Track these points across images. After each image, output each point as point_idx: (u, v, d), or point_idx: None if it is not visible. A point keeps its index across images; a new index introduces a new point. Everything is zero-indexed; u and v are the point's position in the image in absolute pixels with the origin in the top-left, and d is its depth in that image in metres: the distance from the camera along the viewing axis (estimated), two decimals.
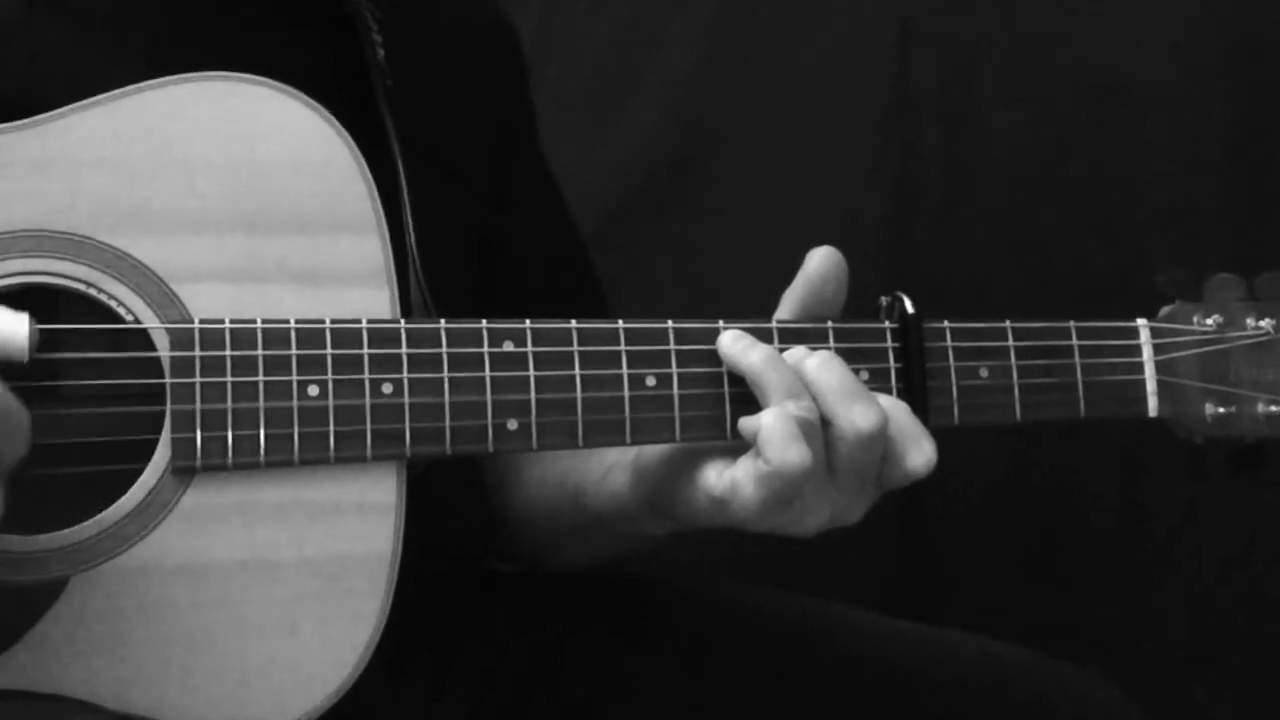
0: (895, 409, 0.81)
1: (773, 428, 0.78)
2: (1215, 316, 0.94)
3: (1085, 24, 1.53)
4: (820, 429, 0.79)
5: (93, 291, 0.77)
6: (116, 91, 0.78)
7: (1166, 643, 1.53)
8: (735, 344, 0.82)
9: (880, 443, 0.79)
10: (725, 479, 0.81)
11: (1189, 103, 1.52)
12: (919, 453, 0.80)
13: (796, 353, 0.82)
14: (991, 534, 1.53)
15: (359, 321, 0.79)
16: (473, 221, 0.99)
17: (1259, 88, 1.52)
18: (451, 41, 1.03)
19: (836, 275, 0.85)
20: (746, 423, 0.80)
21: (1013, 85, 1.54)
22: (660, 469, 0.85)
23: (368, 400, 0.79)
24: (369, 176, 0.81)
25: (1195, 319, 0.94)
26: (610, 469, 0.91)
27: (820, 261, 0.85)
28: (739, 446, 0.82)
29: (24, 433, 0.68)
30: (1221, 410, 0.93)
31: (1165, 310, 0.95)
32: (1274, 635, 1.52)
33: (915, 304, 0.87)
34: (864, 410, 0.79)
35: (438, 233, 0.91)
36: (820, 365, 0.80)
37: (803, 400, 0.79)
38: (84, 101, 0.78)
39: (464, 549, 1.00)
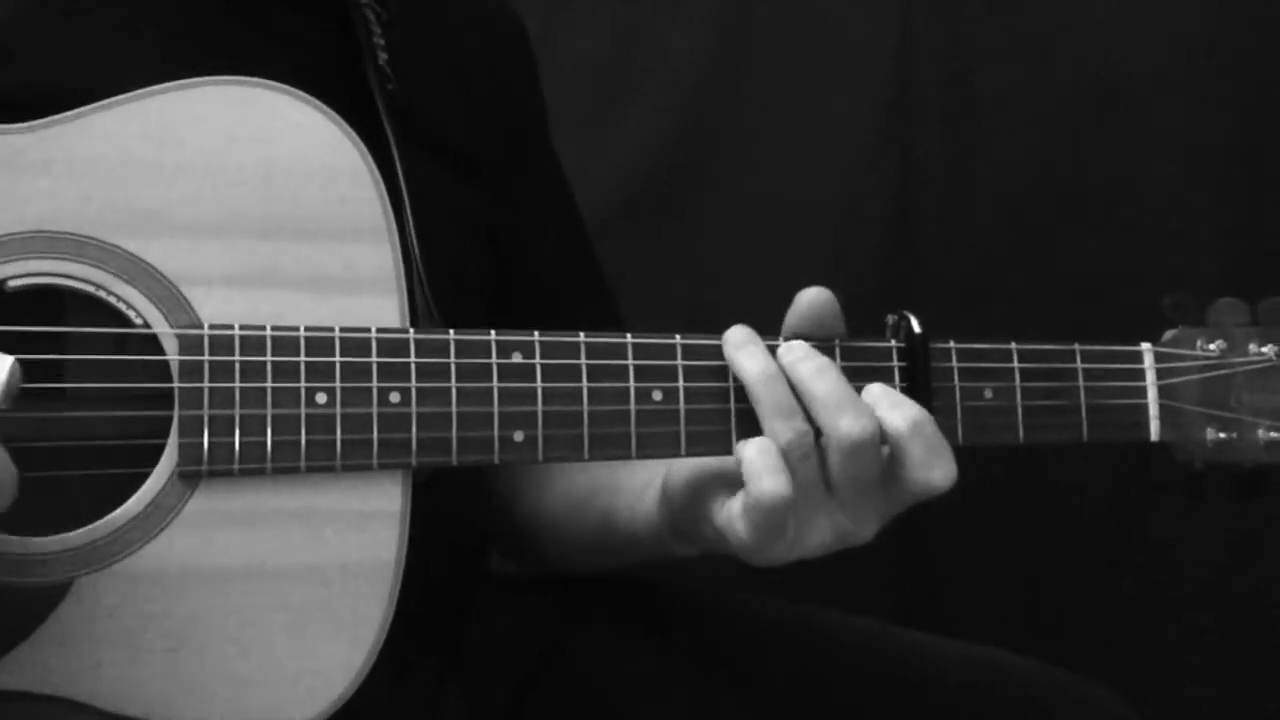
0: (923, 420, 0.83)
1: (753, 461, 0.80)
2: (1219, 342, 0.97)
3: (1085, 24, 1.57)
4: (813, 448, 0.81)
5: (102, 294, 0.79)
6: (130, 94, 0.80)
7: (1166, 643, 1.57)
8: (738, 350, 0.84)
9: (872, 451, 0.82)
10: (724, 512, 0.84)
11: (1189, 102, 1.56)
12: (942, 466, 0.83)
13: (794, 352, 0.84)
14: (990, 536, 1.57)
15: (368, 330, 0.82)
16: (484, 222, 1.01)
17: (1259, 87, 1.55)
18: (459, 39, 1.04)
19: (819, 319, 0.86)
20: (738, 452, 0.82)
21: (1013, 85, 1.57)
22: (682, 496, 0.88)
23: (375, 409, 0.81)
24: (380, 183, 0.83)
25: (1198, 344, 0.97)
26: (643, 492, 0.94)
27: (807, 307, 0.86)
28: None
29: (10, 483, 0.70)
30: (1222, 436, 0.96)
31: (1169, 334, 0.97)
32: (1274, 635, 1.56)
33: (920, 321, 0.89)
34: (853, 420, 0.81)
35: (447, 236, 0.93)
36: (814, 374, 0.83)
37: (794, 420, 0.81)
38: (97, 103, 0.80)
39: (465, 551, 1.02)
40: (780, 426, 0.81)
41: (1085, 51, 1.57)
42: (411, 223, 0.90)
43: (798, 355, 0.83)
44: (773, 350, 0.84)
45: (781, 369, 0.83)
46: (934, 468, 0.82)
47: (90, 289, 0.79)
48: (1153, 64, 1.56)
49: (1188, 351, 0.97)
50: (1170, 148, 1.56)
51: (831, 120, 1.56)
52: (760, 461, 0.80)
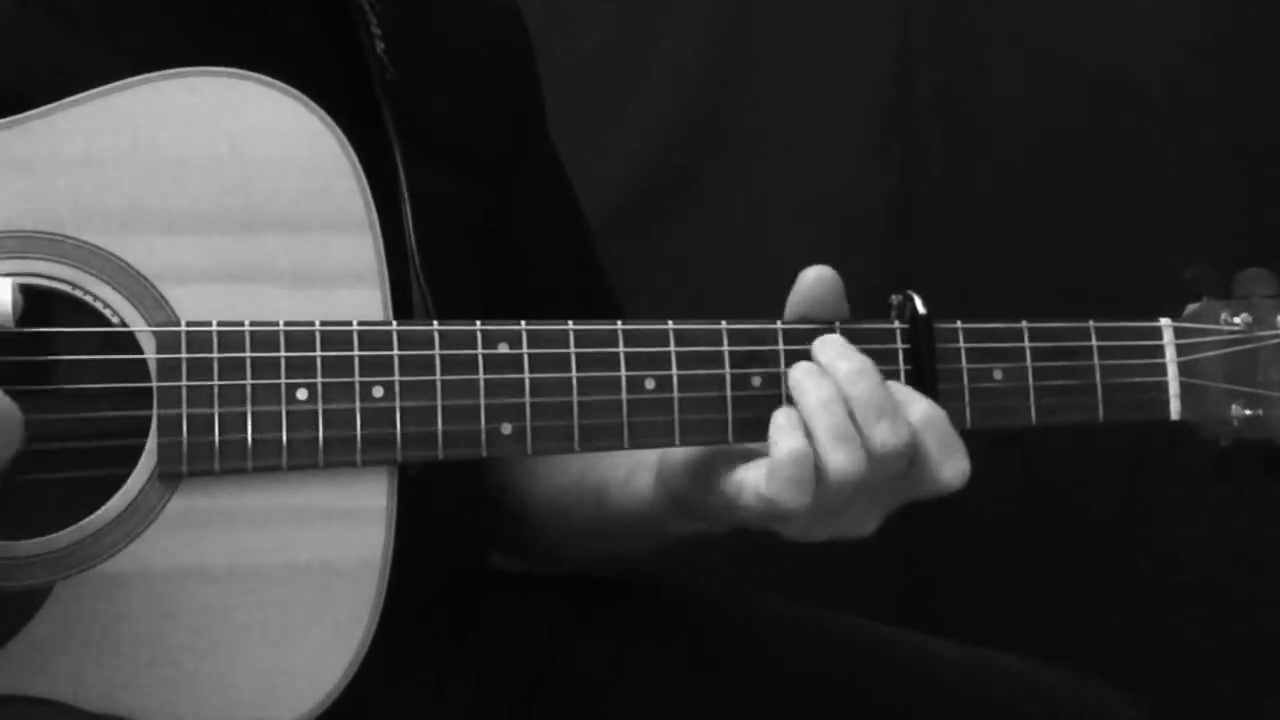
0: (936, 417, 0.83)
1: (784, 465, 0.81)
2: (1243, 315, 0.97)
3: (1086, 24, 1.60)
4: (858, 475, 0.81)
5: (78, 293, 0.81)
6: (102, 88, 0.83)
7: (1166, 643, 1.58)
8: (805, 375, 0.84)
9: (903, 460, 0.82)
10: (735, 478, 0.84)
11: (1190, 101, 1.59)
12: (954, 465, 0.83)
13: (831, 348, 0.84)
14: (991, 535, 1.58)
15: (350, 323, 0.83)
16: (482, 215, 1.03)
17: (1260, 86, 1.58)
18: (456, 30, 1.07)
19: (823, 298, 0.87)
20: (772, 433, 0.82)
21: (1013, 85, 1.60)
22: (681, 472, 0.89)
23: (358, 404, 0.83)
24: (361, 174, 0.85)
25: (1222, 317, 0.97)
26: (634, 468, 0.95)
27: (811, 285, 0.87)
28: (747, 453, 0.85)
29: (17, 429, 0.72)
30: (1248, 413, 0.95)
31: (1191, 308, 0.97)
32: (1274, 635, 1.56)
33: (926, 303, 0.90)
34: (890, 430, 0.81)
35: (445, 229, 0.96)
36: (854, 376, 0.83)
37: (854, 448, 0.81)
38: (70, 99, 0.82)
39: (466, 548, 1.03)
40: (837, 455, 0.81)
41: (1085, 51, 1.60)
42: (410, 216, 0.92)
43: (836, 352, 0.84)
44: (802, 337, 0.85)
45: (817, 364, 0.84)
46: (945, 465, 0.83)
47: (65, 288, 0.81)
48: (1152, 63, 1.59)
49: (1210, 326, 0.96)
50: (1171, 144, 1.59)
51: (832, 119, 1.60)
52: (794, 471, 0.80)
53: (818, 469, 0.81)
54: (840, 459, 0.80)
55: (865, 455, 0.81)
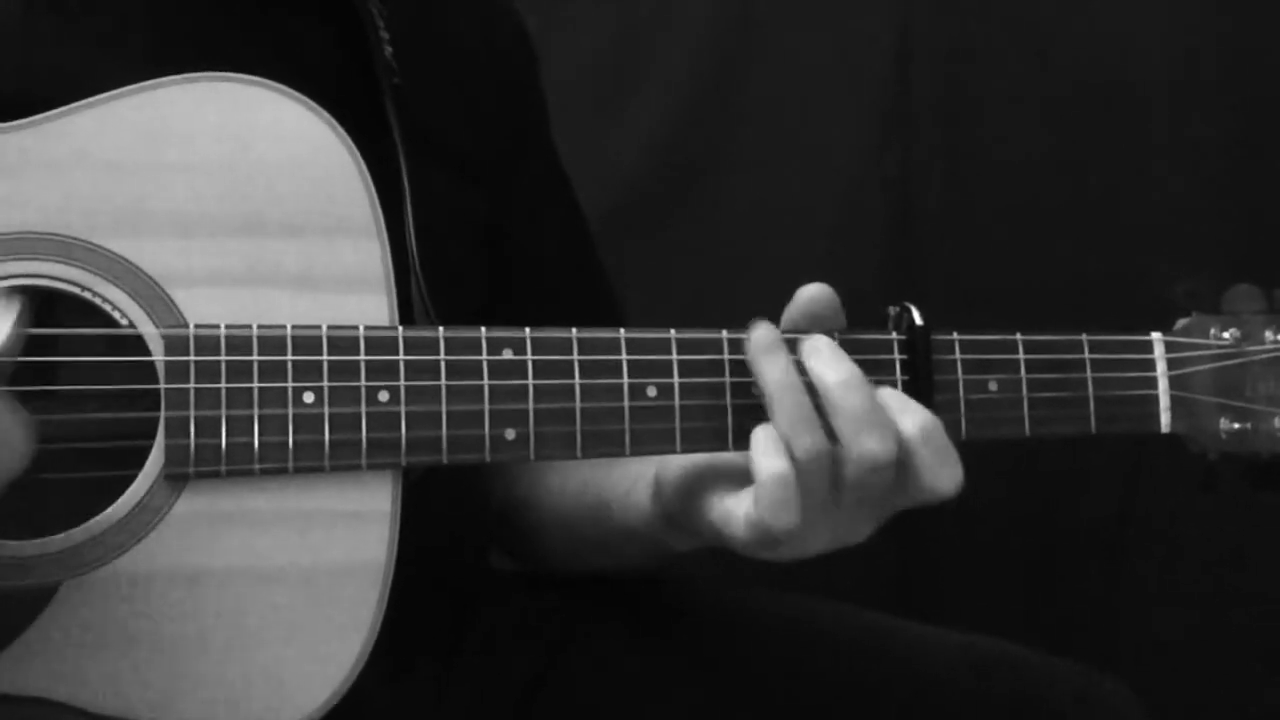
0: (932, 429, 0.84)
1: (767, 488, 0.82)
2: (1233, 330, 0.99)
3: (1085, 24, 1.62)
4: (828, 462, 0.82)
5: (87, 295, 0.82)
6: (113, 92, 0.83)
7: (1166, 643, 1.61)
8: (762, 354, 0.84)
9: (891, 470, 0.83)
10: (722, 508, 0.86)
11: (1189, 102, 1.61)
12: (949, 473, 0.84)
13: (821, 355, 0.85)
14: (991, 534, 1.61)
15: (356, 328, 0.84)
16: (485, 219, 1.04)
17: (1260, 86, 1.61)
18: (459, 36, 1.08)
19: (819, 314, 0.88)
20: (753, 456, 0.83)
21: (1013, 85, 1.62)
22: (676, 487, 0.90)
23: (364, 408, 0.84)
24: (369, 179, 0.86)
25: (1212, 332, 0.99)
26: (635, 482, 0.96)
27: (807, 302, 0.88)
28: (741, 470, 0.87)
29: (24, 442, 0.73)
30: (1236, 426, 0.97)
31: (1182, 323, 0.99)
32: (1274, 635, 1.60)
33: (923, 314, 0.91)
34: (879, 442, 0.82)
35: (446, 231, 0.97)
36: (844, 388, 0.83)
37: (815, 433, 0.82)
38: (80, 102, 0.83)
39: (466, 549, 1.05)
40: (801, 440, 0.82)
41: (1085, 51, 1.62)
42: (411, 221, 0.93)
43: (825, 360, 0.84)
44: (792, 346, 0.86)
45: (803, 367, 0.84)
46: (941, 474, 0.84)
47: (74, 290, 0.82)
48: (1152, 63, 1.61)
49: (1201, 340, 0.98)
50: (1171, 145, 1.61)
51: (832, 119, 1.62)
52: (779, 493, 0.81)
53: (788, 448, 0.81)
54: (805, 442, 0.81)
55: (826, 444, 0.82)
